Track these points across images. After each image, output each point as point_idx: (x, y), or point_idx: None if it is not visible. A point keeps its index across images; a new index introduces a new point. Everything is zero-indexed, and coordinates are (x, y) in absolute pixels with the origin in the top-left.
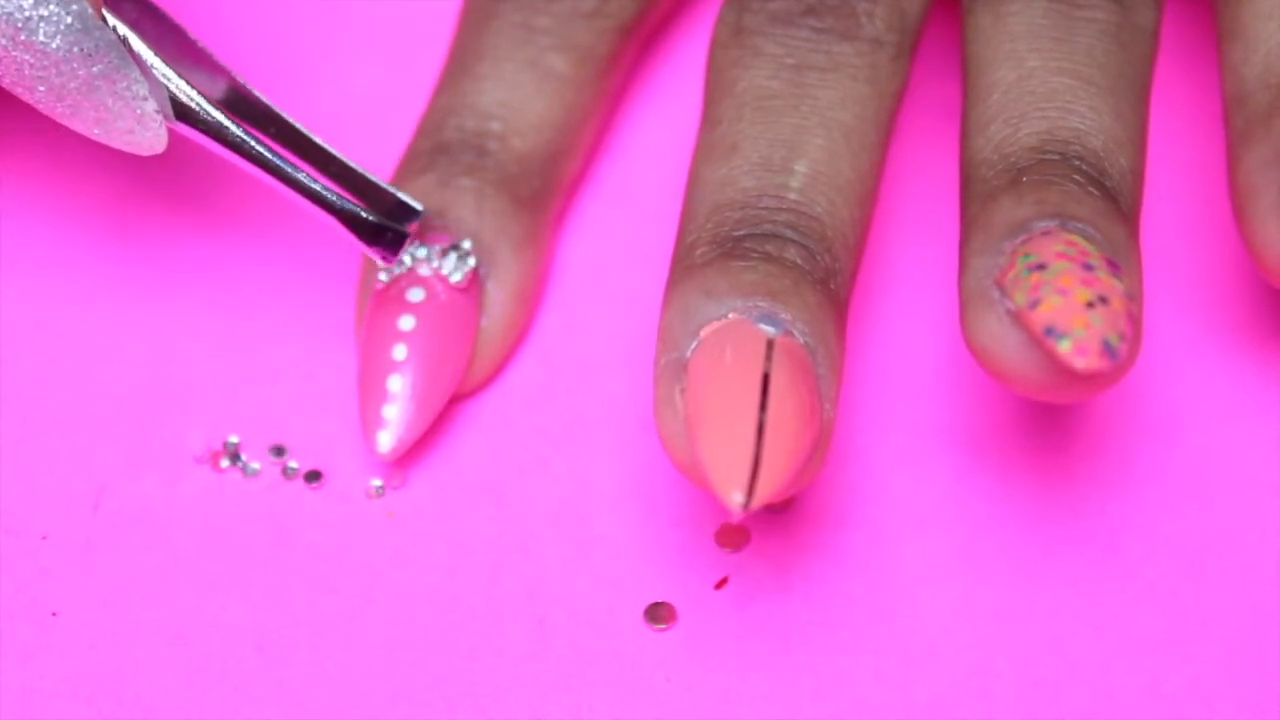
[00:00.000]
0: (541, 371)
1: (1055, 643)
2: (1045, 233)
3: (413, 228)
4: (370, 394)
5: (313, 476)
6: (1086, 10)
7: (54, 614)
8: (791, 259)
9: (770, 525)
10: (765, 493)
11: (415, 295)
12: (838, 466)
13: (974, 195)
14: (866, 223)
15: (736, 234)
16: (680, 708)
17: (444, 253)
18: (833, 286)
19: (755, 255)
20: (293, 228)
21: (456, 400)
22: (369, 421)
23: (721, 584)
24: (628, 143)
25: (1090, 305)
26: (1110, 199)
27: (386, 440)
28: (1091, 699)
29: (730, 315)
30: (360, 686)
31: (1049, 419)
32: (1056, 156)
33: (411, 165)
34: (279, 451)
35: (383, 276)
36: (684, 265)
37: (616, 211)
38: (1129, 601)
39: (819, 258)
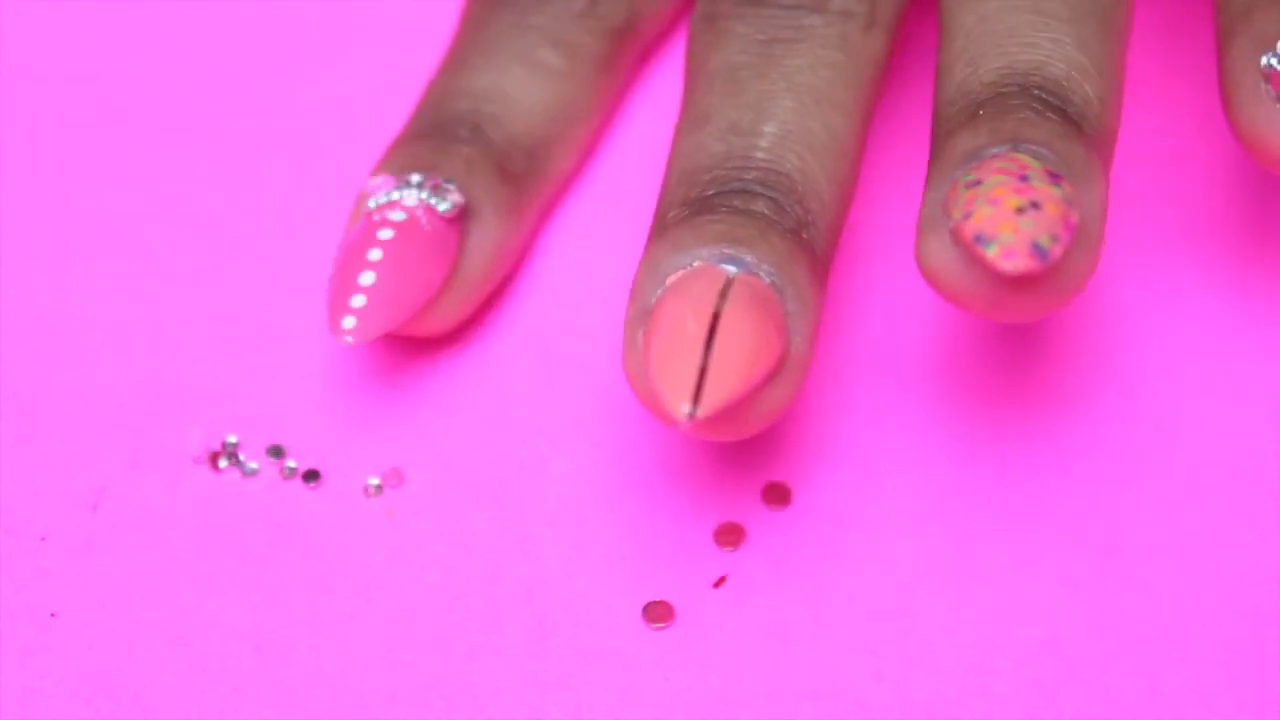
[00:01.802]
0: (540, 371)
1: (1054, 642)
2: (993, 156)
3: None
4: (340, 285)
5: (311, 476)
6: None
7: (53, 614)
8: (759, 210)
9: (769, 524)
10: (712, 401)
11: (396, 215)
12: (836, 465)
13: (936, 136)
14: (844, 179)
15: (706, 194)
16: (678, 707)
17: (435, 188)
18: (805, 236)
19: (723, 209)
20: (292, 227)
21: (419, 342)
22: (336, 310)
23: (719, 583)
24: (628, 144)
25: (1020, 211)
26: (1071, 123)
27: (350, 324)
28: (1090, 699)
29: (695, 264)
30: (359, 686)
31: (1049, 419)
32: (1015, 88)
33: (405, 136)
34: (277, 452)
35: (371, 204)
36: (657, 229)
37: (616, 211)
38: (1128, 601)
39: (789, 209)
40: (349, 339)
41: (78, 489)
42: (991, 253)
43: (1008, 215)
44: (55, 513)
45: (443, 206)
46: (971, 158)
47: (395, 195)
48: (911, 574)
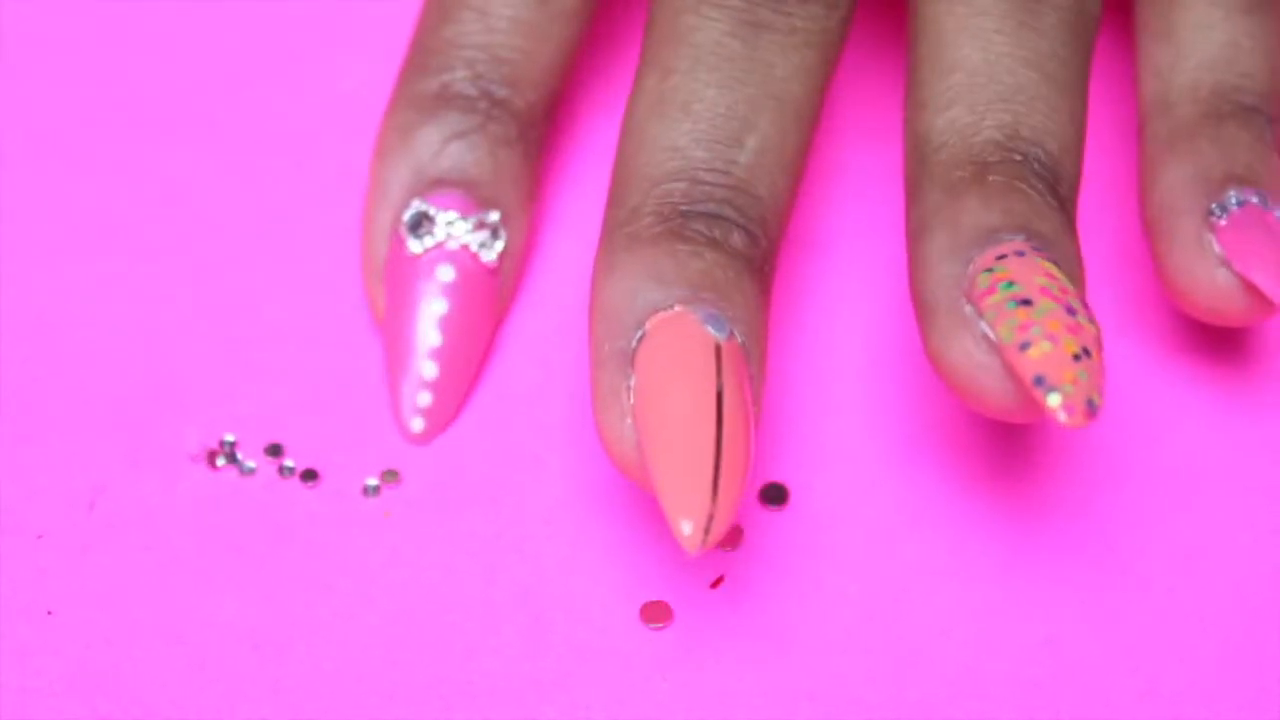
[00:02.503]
0: (536, 369)
1: (1051, 642)
2: (1019, 253)
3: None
4: (402, 377)
5: (309, 476)
6: None
7: (50, 613)
8: (735, 245)
9: (766, 524)
10: (719, 532)
11: (446, 274)
12: (833, 466)
13: (934, 180)
14: (798, 190)
15: (682, 208)
16: (677, 706)
17: (476, 227)
18: (765, 269)
19: (701, 240)
20: (291, 227)
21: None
22: (404, 407)
23: (717, 583)
24: None
25: (1077, 358)
26: (1064, 211)
27: (420, 425)
28: (1087, 699)
29: (676, 307)
30: (356, 685)
31: (1046, 419)
32: (1020, 157)
33: (417, 107)
34: (275, 451)
35: (414, 248)
36: (625, 232)
37: None
38: (1125, 601)
39: (759, 242)
40: (419, 435)
41: (75, 487)
42: (1054, 403)
43: (1067, 361)
44: (53, 511)
45: (488, 256)
46: (987, 238)
47: (439, 236)
48: (909, 574)
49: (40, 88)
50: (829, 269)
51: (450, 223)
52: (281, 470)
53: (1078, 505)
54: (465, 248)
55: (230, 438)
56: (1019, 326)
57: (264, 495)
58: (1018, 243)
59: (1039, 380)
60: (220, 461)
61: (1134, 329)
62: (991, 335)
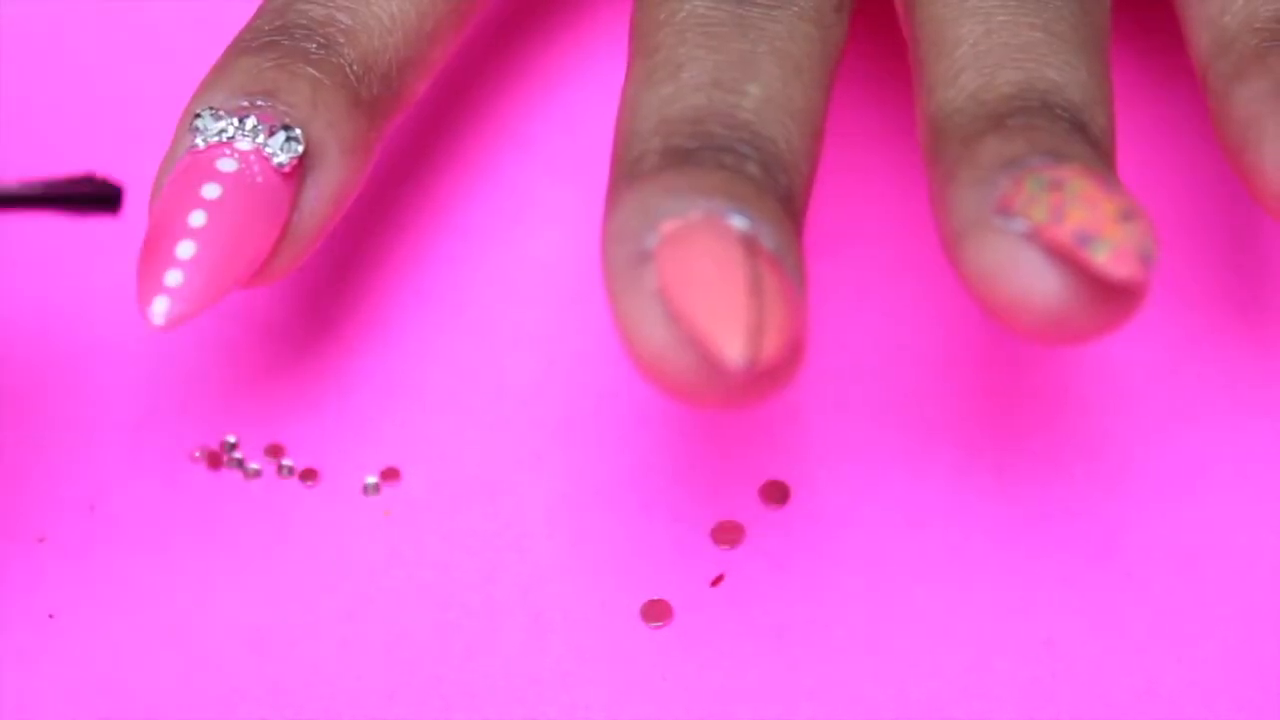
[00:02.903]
0: (536, 367)
1: (1052, 642)
2: (1044, 165)
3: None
4: (154, 258)
5: (308, 475)
6: None
7: (51, 616)
8: (751, 173)
9: (766, 522)
10: (773, 345)
11: (227, 165)
12: (834, 463)
13: (951, 140)
14: (817, 159)
15: (689, 146)
16: (676, 706)
17: (271, 131)
18: (791, 207)
19: (712, 164)
20: None
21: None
22: (147, 287)
23: (717, 581)
24: None
25: (1120, 218)
26: (1098, 150)
27: (161, 308)
28: (1088, 699)
29: (694, 214)
30: (356, 685)
31: (1047, 417)
32: (1038, 104)
33: (248, 42)
34: (275, 451)
35: (199, 142)
36: (631, 174)
37: None
38: (1126, 601)
39: (778, 178)
40: (159, 322)
41: (76, 489)
42: (1101, 255)
43: (1110, 219)
44: (53, 513)
45: (280, 159)
46: (1014, 164)
47: (229, 133)
48: (910, 572)
49: (40, 88)
50: (830, 268)
51: (241, 121)
52: (281, 470)
53: (1078, 505)
54: (258, 148)
55: (231, 438)
56: (1052, 206)
57: (264, 495)
58: (1047, 162)
59: (1082, 238)
60: (220, 462)
61: (1133, 329)
62: (1024, 227)
